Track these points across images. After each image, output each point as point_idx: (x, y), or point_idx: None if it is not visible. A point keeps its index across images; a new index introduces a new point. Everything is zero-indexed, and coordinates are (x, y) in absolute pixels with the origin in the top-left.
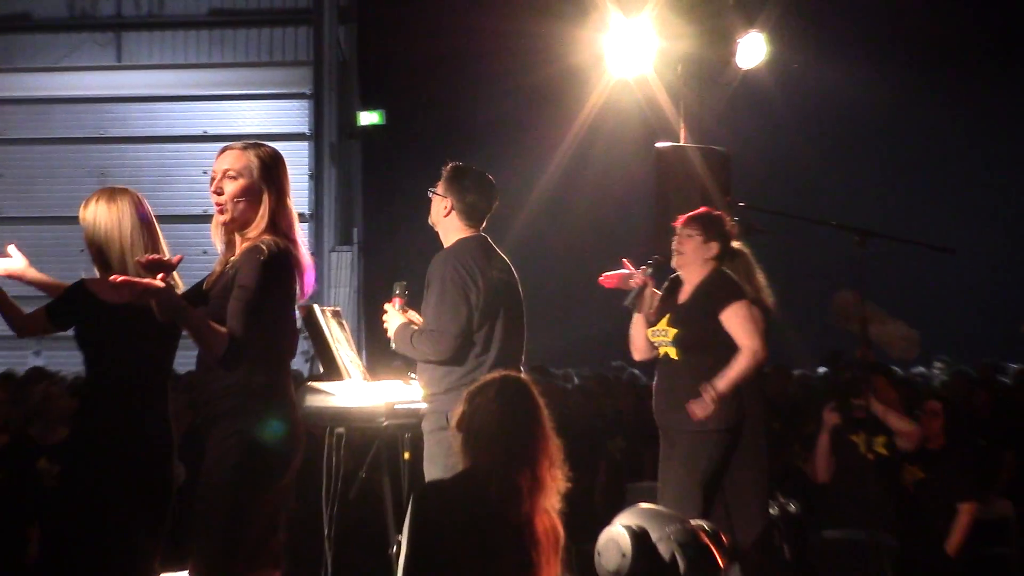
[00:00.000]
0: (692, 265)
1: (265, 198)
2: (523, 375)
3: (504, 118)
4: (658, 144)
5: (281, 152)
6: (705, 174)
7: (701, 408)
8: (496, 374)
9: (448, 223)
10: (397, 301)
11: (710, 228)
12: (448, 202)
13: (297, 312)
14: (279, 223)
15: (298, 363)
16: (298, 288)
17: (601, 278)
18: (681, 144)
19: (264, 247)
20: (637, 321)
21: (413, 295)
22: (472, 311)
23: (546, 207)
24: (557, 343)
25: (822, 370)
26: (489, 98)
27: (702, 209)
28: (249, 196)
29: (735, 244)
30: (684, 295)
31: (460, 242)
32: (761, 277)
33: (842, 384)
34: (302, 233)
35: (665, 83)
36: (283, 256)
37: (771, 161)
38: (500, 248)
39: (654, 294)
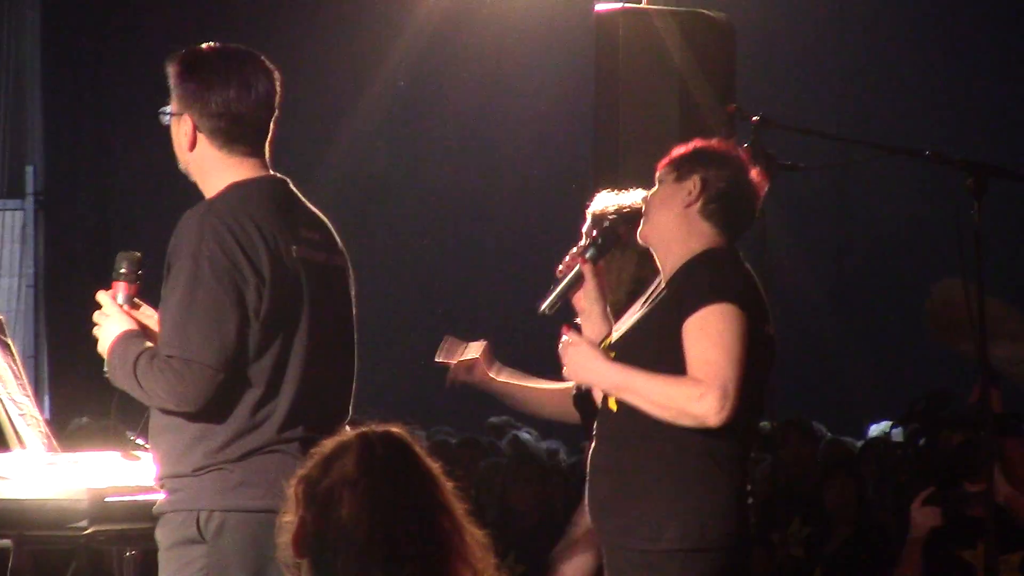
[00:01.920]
0: (664, 235)
1: None
2: (395, 429)
3: None
4: (598, 6)
5: None
6: (687, 60)
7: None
8: (344, 436)
9: (200, 159)
10: (122, 288)
11: (690, 159)
12: (187, 122)
13: None
14: None
15: None
16: None
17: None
18: (641, 5)
19: None
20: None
21: (153, 282)
22: (247, 321)
23: (392, 125)
24: (400, 383)
25: (896, 432)
26: None
27: (711, 141)
28: None
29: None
30: (651, 294)
31: (231, 189)
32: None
33: (945, 456)
34: None
35: None
36: None
37: (811, 37)
38: (308, 195)
39: (599, 288)
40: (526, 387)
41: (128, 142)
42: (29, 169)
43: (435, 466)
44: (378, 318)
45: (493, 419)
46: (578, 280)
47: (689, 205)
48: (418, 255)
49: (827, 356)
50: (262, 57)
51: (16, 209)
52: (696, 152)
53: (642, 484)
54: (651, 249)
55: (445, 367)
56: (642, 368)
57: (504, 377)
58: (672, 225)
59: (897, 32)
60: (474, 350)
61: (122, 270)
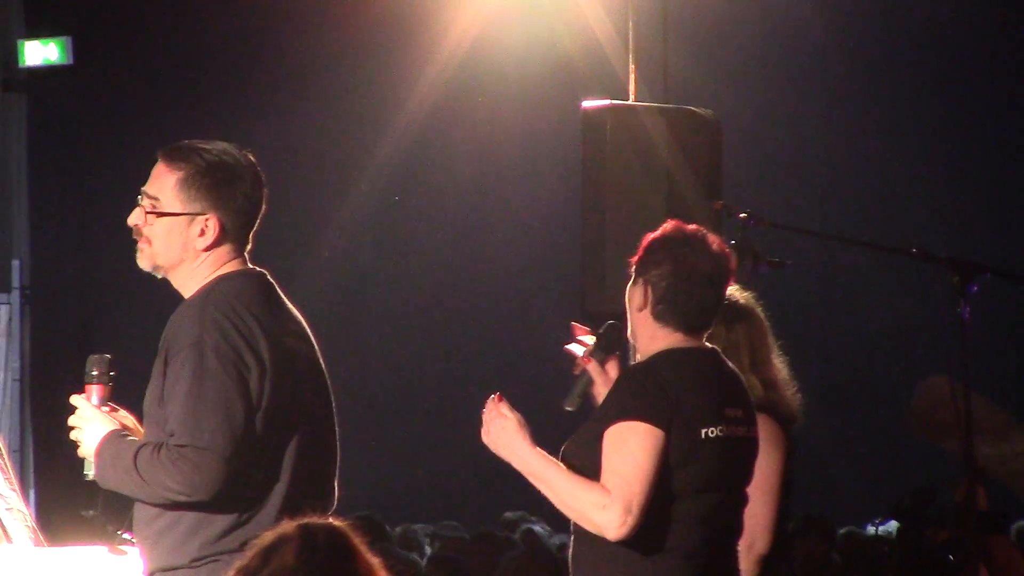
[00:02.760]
0: (635, 336)
1: None
2: (336, 522)
3: (305, 59)
4: (586, 103)
5: None
6: (674, 156)
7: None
8: (286, 527)
9: (205, 256)
10: (96, 391)
11: (642, 259)
12: (211, 221)
13: None
14: None
15: None
16: None
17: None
18: (628, 102)
19: None
20: None
21: (128, 380)
22: (251, 410)
23: (375, 227)
24: (397, 475)
25: (889, 526)
26: (266, 15)
27: (668, 226)
28: None
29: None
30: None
31: (222, 282)
32: (778, 360)
33: (930, 550)
34: None
35: None
36: None
37: (797, 136)
38: (293, 290)
39: (610, 384)
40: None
41: (113, 237)
42: (15, 263)
43: (375, 561)
44: (365, 412)
45: (508, 514)
46: (591, 379)
47: (642, 310)
48: (404, 351)
49: (813, 453)
50: (248, 154)
51: (3, 304)
52: (645, 251)
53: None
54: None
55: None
56: (581, 462)
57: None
58: (637, 328)
59: (884, 130)
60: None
61: (94, 372)
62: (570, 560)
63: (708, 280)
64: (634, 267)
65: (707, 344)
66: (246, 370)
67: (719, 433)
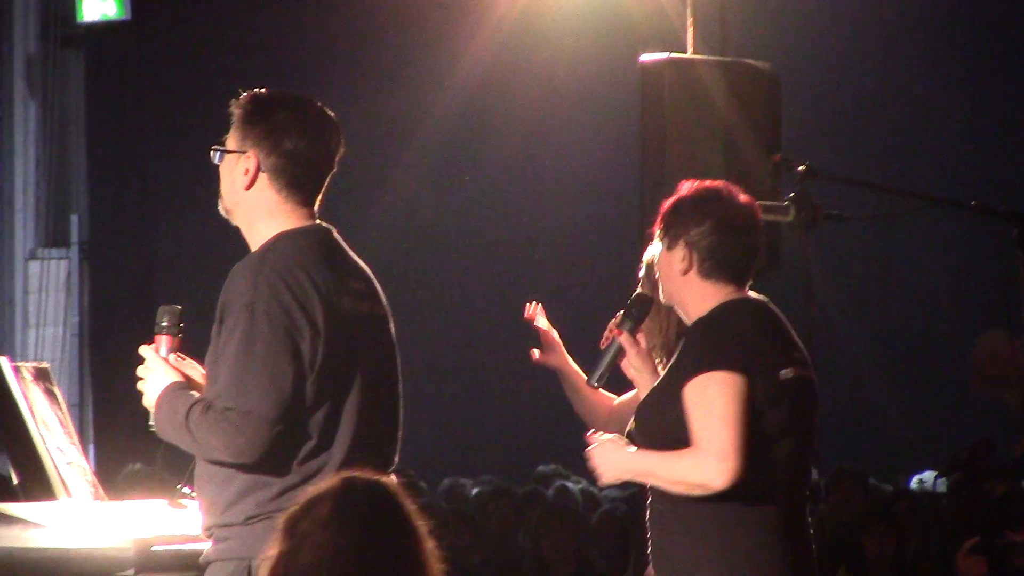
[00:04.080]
0: (677, 301)
1: None
2: (385, 478)
3: (364, 18)
4: (643, 57)
5: None
6: (732, 110)
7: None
8: (333, 480)
9: (253, 201)
10: (164, 342)
11: (674, 222)
12: (250, 160)
13: None
14: None
15: None
16: None
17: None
18: (686, 56)
19: None
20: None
21: (197, 334)
22: (305, 373)
23: (433, 183)
24: (445, 433)
25: (939, 482)
26: None
27: (685, 189)
28: None
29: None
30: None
31: (281, 240)
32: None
33: (988, 506)
34: None
35: None
36: None
37: (856, 88)
38: (354, 246)
39: (641, 355)
40: (585, 388)
41: (172, 191)
42: (74, 218)
43: (420, 523)
44: (425, 368)
45: (542, 468)
46: (620, 351)
47: (686, 272)
48: (465, 305)
49: (870, 406)
50: (325, 107)
51: (61, 258)
52: (676, 212)
53: (678, 535)
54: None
55: (488, 420)
56: (658, 436)
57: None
58: (679, 292)
59: (943, 82)
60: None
61: (164, 323)
62: (649, 523)
63: (747, 228)
64: (662, 234)
65: (754, 294)
66: (297, 333)
67: (792, 375)
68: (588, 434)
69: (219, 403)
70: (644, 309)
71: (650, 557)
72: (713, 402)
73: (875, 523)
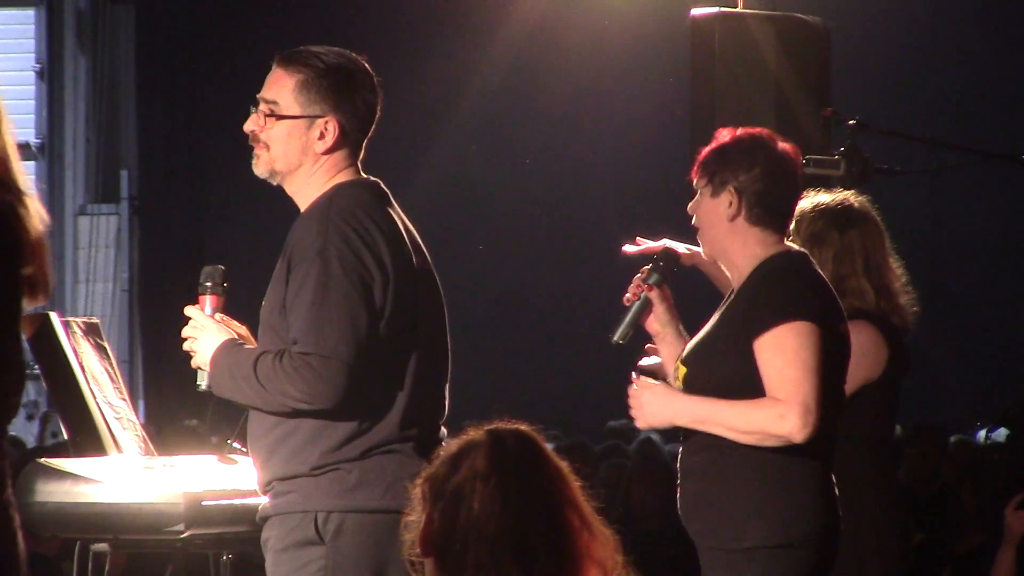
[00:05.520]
0: (721, 250)
1: None
2: (523, 426)
3: None
4: (694, 11)
5: None
6: (782, 65)
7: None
8: (475, 431)
9: (324, 161)
10: (209, 301)
11: (720, 167)
12: (330, 123)
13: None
14: None
15: (20, 423)
16: (23, 280)
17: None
18: (737, 10)
19: None
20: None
21: (238, 290)
22: (375, 318)
23: (481, 140)
24: (506, 384)
25: (999, 434)
26: None
27: (724, 136)
28: None
29: (824, 199)
30: (724, 303)
31: (343, 189)
32: (895, 266)
33: None
34: (28, 180)
35: None
36: None
37: (906, 42)
38: (402, 202)
39: (669, 310)
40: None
41: (222, 148)
42: (123, 174)
43: (564, 465)
44: (473, 324)
45: (612, 423)
46: (646, 306)
47: (733, 219)
48: (513, 261)
49: (919, 361)
50: (364, 62)
51: (111, 214)
52: (721, 158)
53: (726, 485)
54: (718, 261)
55: (542, 374)
56: (715, 384)
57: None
58: (725, 240)
59: (992, 36)
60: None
61: (208, 283)
62: (685, 473)
63: (793, 175)
64: (706, 180)
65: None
66: (370, 278)
67: (843, 329)
68: (633, 377)
69: (297, 349)
70: (671, 263)
71: (681, 508)
72: (797, 352)
73: (967, 478)
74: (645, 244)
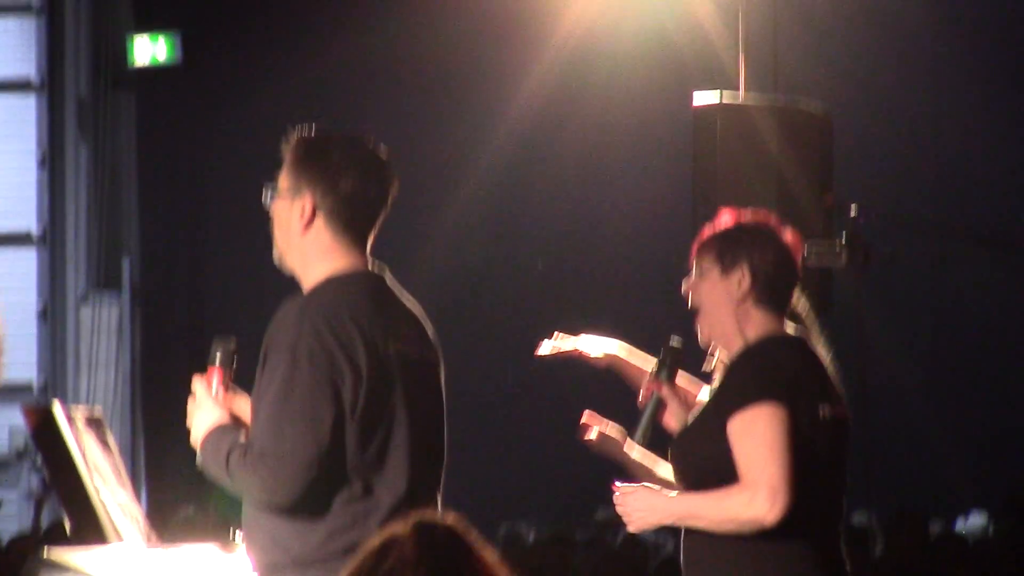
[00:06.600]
0: (722, 332)
1: None
2: (450, 518)
3: (415, 55)
4: (697, 101)
5: None
6: (784, 152)
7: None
8: (404, 522)
9: (309, 243)
10: (217, 375)
11: (732, 247)
12: (306, 202)
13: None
14: None
15: (12, 508)
16: None
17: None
18: (739, 100)
19: None
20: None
21: (248, 374)
22: (345, 417)
23: (487, 219)
24: (494, 474)
25: (973, 522)
26: (390, 10)
27: (730, 218)
28: None
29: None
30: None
31: (330, 284)
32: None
33: None
34: None
35: None
36: None
37: (907, 130)
38: (405, 286)
39: (682, 404)
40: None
41: (222, 234)
42: (125, 262)
43: (492, 554)
44: (476, 409)
45: (601, 513)
46: (660, 404)
47: (743, 299)
48: (521, 343)
49: (922, 446)
50: (378, 147)
51: (113, 302)
52: (738, 236)
53: (721, 570)
54: (715, 344)
55: (542, 463)
56: (698, 471)
57: (637, 457)
58: (728, 321)
59: (993, 123)
60: (615, 430)
61: (218, 356)
62: (685, 564)
63: (795, 260)
64: (716, 259)
65: (791, 330)
66: (339, 377)
67: (830, 412)
68: (616, 484)
69: (255, 446)
70: (678, 358)
71: None
72: (763, 435)
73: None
74: (559, 342)
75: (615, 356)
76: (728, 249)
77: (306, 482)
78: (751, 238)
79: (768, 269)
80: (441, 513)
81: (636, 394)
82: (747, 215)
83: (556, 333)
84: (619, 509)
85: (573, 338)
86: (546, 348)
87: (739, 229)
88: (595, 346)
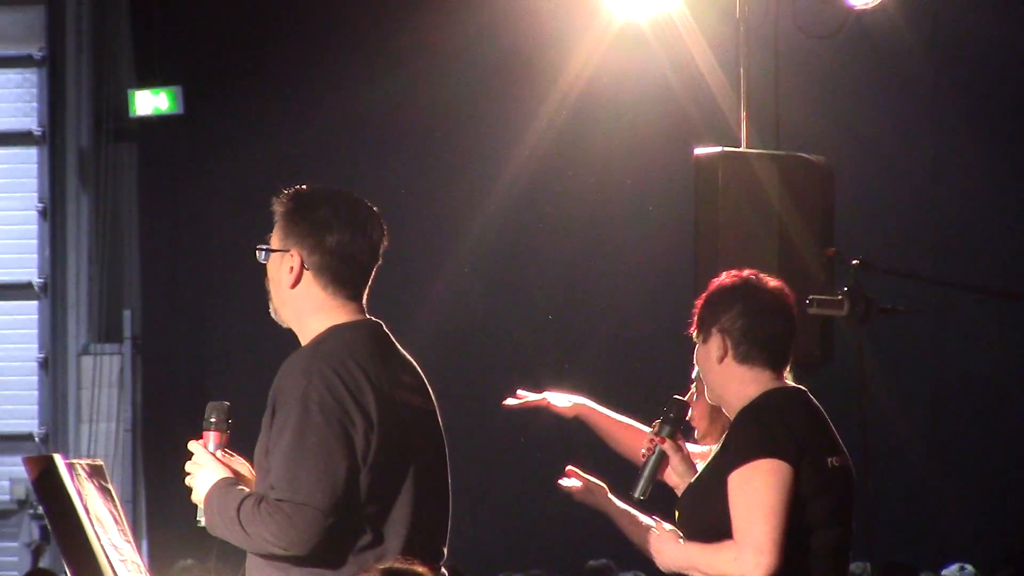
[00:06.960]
0: (719, 395)
1: None
2: (419, 567)
3: (415, 108)
4: (698, 150)
5: None
6: (785, 204)
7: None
8: (371, 568)
9: (300, 299)
10: (212, 437)
11: (706, 314)
12: (294, 258)
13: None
14: None
15: (13, 557)
16: None
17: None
18: (739, 149)
19: None
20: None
21: (241, 429)
22: (358, 465)
23: (486, 275)
24: (492, 529)
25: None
26: (389, 65)
27: (714, 283)
28: None
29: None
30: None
31: (334, 332)
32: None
33: None
34: None
35: (708, 32)
36: None
37: (909, 183)
38: (403, 341)
39: (684, 459)
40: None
41: (224, 286)
42: (126, 313)
43: None
44: (474, 464)
45: (592, 562)
46: (662, 459)
47: (722, 360)
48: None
49: (922, 500)
50: (367, 203)
51: (114, 354)
52: (705, 306)
53: None
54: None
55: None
56: (701, 526)
57: (623, 505)
58: (720, 383)
59: (995, 176)
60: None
61: (212, 419)
62: None
63: (777, 310)
64: (698, 332)
65: (791, 382)
66: (351, 425)
67: (837, 463)
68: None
69: (272, 495)
70: (681, 412)
71: None
72: (756, 493)
73: None
74: (525, 398)
75: (583, 405)
76: (703, 318)
77: (323, 529)
78: (720, 299)
79: (738, 324)
80: (429, 565)
81: (606, 447)
82: (739, 274)
83: (518, 390)
84: (651, 547)
85: (537, 393)
86: (512, 401)
87: (712, 294)
88: (561, 399)
